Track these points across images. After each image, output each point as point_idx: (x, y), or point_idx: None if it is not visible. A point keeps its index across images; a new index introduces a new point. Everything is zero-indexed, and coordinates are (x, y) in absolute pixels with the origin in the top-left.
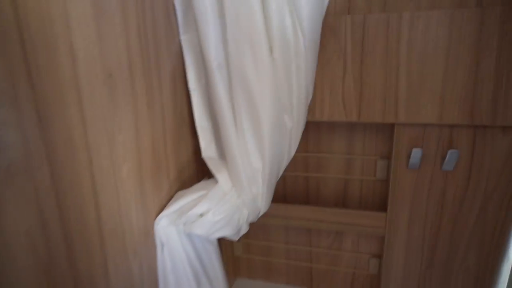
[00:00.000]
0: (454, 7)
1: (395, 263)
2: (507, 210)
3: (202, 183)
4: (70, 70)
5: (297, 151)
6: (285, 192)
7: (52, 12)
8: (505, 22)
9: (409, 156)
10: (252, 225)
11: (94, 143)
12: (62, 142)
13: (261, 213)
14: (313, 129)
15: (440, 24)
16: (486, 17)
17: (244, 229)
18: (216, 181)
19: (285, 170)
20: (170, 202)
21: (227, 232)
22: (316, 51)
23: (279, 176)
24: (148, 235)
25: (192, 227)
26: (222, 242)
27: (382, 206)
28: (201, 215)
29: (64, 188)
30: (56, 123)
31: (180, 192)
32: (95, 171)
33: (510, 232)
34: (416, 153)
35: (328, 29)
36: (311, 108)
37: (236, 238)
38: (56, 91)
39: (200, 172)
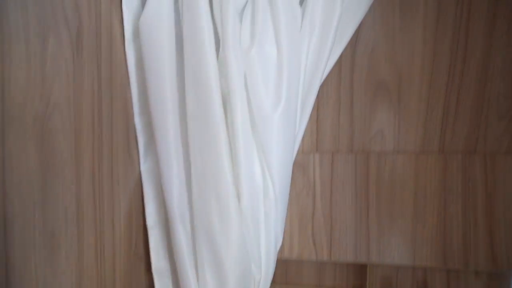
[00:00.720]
0: (418, 152)
1: None
2: None
3: None
4: None
5: None
6: None
7: None
8: (466, 169)
9: None
10: None
11: None
12: None
13: None
14: (279, 264)
15: (406, 167)
16: (448, 163)
17: None
18: None
19: None
20: None
21: None
22: (287, 197)
23: None
24: None
25: None
26: None
27: None
28: None
29: None
30: None
31: None
32: None
33: None
34: None
35: (297, 165)
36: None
37: None
38: None
39: None
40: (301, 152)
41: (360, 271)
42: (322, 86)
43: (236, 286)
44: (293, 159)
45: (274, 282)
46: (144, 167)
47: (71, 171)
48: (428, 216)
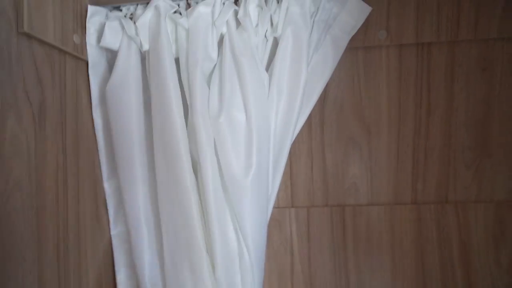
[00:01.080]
0: (392, 203)
1: None
2: None
3: None
4: None
5: None
6: None
7: None
8: (440, 219)
9: None
10: None
11: None
12: None
13: None
14: None
15: (381, 218)
16: (422, 214)
17: None
18: None
19: None
20: None
21: None
22: (263, 259)
23: None
24: None
25: None
26: None
27: None
28: None
29: None
30: None
31: None
32: None
33: None
34: None
35: (273, 221)
36: None
37: None
38: None
39: None
40: (277, 207)
41: None
42: (294, 144)
43: None
44: (268, 220)
45: None
46: (115, 232)
47: (33, 252)
48: (406, 268)
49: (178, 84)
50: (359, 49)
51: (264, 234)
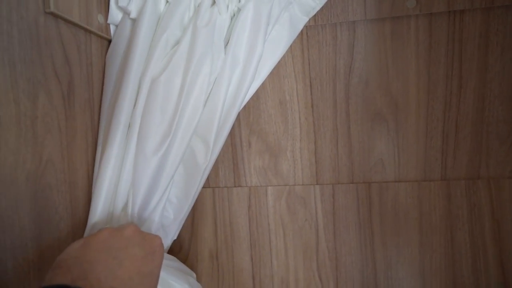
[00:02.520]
0: (420, 180)
1: None
2: None
3: None
4: None
5: None
6: None
7: None
8: (471, 195)
9: None
10: None
11: None
12: None
13: None
14: None
15: (408, 195)
16: (452, 190)
17: None
18: None
19: None
20: None
21: None
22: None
23: None
24: None
25: None
26: None
27: None
28: None
29: None
30: None
31: None
32: None
33: None
34: None
35: (298, 198)
36: (284, 280)
37: None
38: None
39: None
40: (301, 184)
41: None
42: (318, 120)
43: None
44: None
45: None
46: None
47: (67, 225)
48: (435, 245)
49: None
50: (386, 20)
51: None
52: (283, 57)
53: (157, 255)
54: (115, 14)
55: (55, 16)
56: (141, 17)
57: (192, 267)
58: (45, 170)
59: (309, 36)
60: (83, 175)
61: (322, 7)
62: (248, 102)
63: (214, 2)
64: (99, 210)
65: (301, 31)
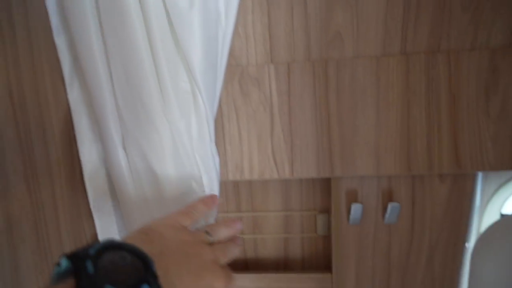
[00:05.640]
0: (379, 55)
1: None
2: (453, 258)
3: None
4: None
5: (229, 212)
6: None
7: None
8: (429, 70)
9: (349, 211)
10: None
11: None
12: None
13: None
14: (244, 186)
15: (366, 71)
16: (411, 65)
17: None
18: None
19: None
20: None
21: None
22: (215, 100)
23: None
24: None
25: None
26: None
27: (326, 265)
28: None
29: None
30: None
31: None
32: None
33: (458, 281)
34: (356, 209)
35: (251, 80)
36: (239, 166)
37: None
38: None
39: None
40: (255, 64)
41: (326, 191)
42: None
43: (177, 204)
44: (220, 64)
45: (240, 211)
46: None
47: None
48: (391, 122)
49: None
50: None
51: (215, 72)
52: None
53: None
54: None
55: None
56: None
57: None
58: None
59: None
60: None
61: None
62: None
63: None
64: None
65: None
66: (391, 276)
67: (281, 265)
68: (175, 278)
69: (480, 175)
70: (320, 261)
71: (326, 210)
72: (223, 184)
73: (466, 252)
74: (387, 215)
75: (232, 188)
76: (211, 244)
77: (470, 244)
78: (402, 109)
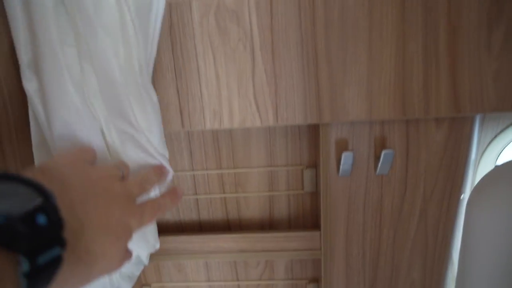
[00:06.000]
0: None
1: (335, 286)
2: (447, 211)
3: None
4: None
5: (209, 169)
6: (200, 219)
7: None
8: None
9: (339, 163)
10: (164, 265)
11: None
12: None
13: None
14: (224, 139)
15: (357, 3)
16: None
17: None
18: None
19: (198, 193)
20: None
21: None
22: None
23: None
24: None
25: None
26: None
27: (314, 223)
28: None
29: None
30: None
31: None
32: None
33: (452, 234)
34: (347, 157)
35: (229, 13)
36: (217, 113)
37: None
38: None
39: None
40: None
41: (314, 142)
42: None
43: None
44: None
45: (220, 168)
46: None
47: None
48: (385, 59)
49: None
50: None
51: None
52: None
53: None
54: None
55: None
56: None
57: None
58: None
59: None
60: None
61: None
62: None
63: None
64: None
65: None
66: (382, 232)
67: (266, 225)
68: (81, 214)
69: (477, 125)
70: (307, 219)
71: (314, 165)
72: (201, 135)
73: (461, 204)
74: (379, 164)
75: (211, 142)
76: (123, 179)
77: (466, 196)
78: (397, 43)
